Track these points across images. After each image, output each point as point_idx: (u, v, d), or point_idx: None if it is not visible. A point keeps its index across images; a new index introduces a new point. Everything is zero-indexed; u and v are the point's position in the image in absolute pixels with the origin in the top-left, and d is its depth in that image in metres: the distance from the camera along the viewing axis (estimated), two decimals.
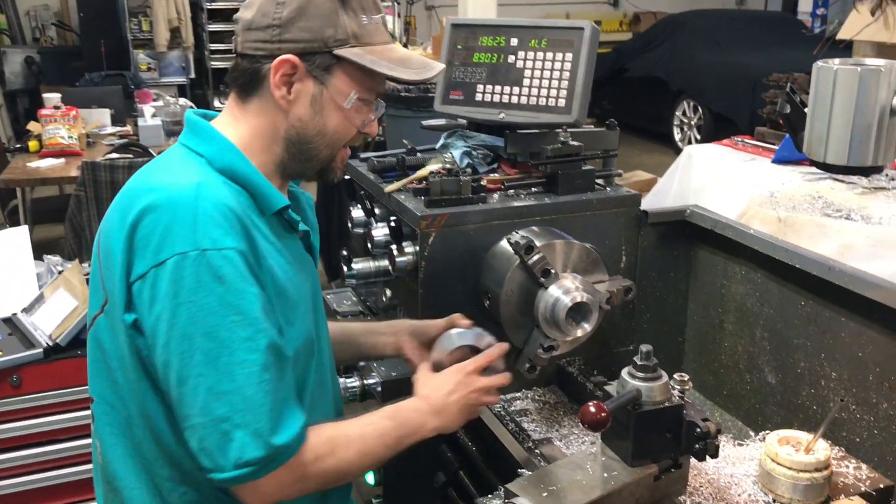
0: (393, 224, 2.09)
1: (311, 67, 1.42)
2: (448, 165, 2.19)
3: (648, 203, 2.78)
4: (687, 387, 1.44)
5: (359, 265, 2.22)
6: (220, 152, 1.44)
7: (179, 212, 1.31)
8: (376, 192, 2.27)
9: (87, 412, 2.54)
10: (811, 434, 1.63)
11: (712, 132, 8.89)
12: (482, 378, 1.61)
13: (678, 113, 9.86)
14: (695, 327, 2.36)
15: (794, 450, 1.51)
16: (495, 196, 2.16)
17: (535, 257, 1.91)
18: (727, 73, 9.15)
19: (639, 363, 1.41)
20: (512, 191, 2.20)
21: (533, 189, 2.22)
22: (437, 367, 1.66)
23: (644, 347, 1.41)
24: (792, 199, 2.18)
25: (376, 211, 2.28)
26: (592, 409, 1.25)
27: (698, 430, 1.39)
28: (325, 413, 1.60)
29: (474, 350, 1.71)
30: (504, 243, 1.99)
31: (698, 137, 9.41)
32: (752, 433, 1.79)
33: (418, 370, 1.66)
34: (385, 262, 2.15)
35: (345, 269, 2.26)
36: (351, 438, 1.42)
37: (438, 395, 1.55)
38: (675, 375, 1.45)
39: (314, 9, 1.40)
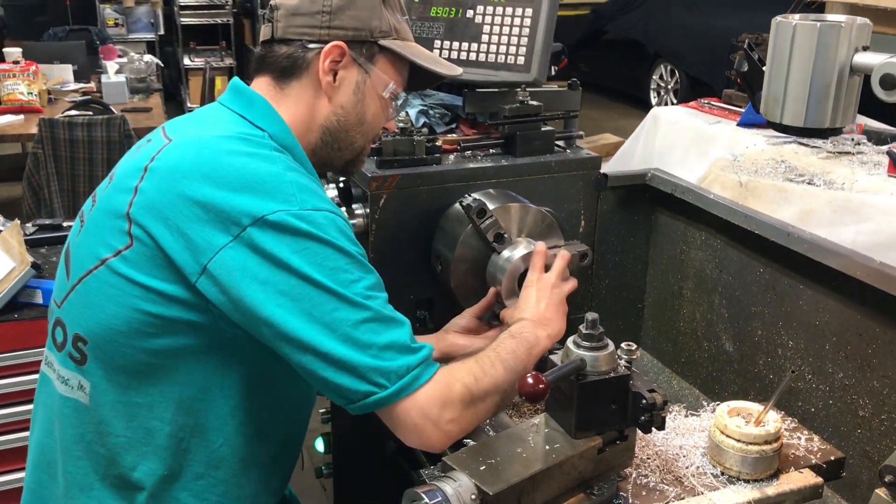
0: (341, 185, 2.02)
1: (357, 56, 1.48)
2: (402, 124, 2.11)
3: (613, 166, 2.72)
4: (634, 356, 1.39)
5: None
6: (283, 133, 1.45)
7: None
8: None
9: (26, 378, 2.47)
10: (763, 405, 1.59)
11: (689, 96, 8.79)
12: (564, 285, 1.69)
13: (655, 77, 9.77)
14: (654, 294, 2.31)
15: (744, 421, 1.47)
16: (451, 157, 2.09)
17: (488, 221, 1.85)
18: (704, 36, 9.05)
19: (584, 332, 1.35)
20: (468, 152, 2.12)
21: (490, 150, 2.14)
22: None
23: (590, 316, 1.35)
24: (755, 164, 2.13)
25: (329, 173, 2.20)
26: (530, 381, 1.20)
27: (644, 401, 1.34)
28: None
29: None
30: (457, 207, 1.93)
31: (675, 101, 9.34)
32: (706, 403, 1.75)
33: (502, 313, 1.73)
34: None
35: None
36: (493, 359, 1.43)
37: (531, 310, 1.60)
38: (623, 344, 1.40)
39: (362, 0, 1.47)
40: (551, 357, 1.41)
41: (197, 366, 1.38)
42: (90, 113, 4.97)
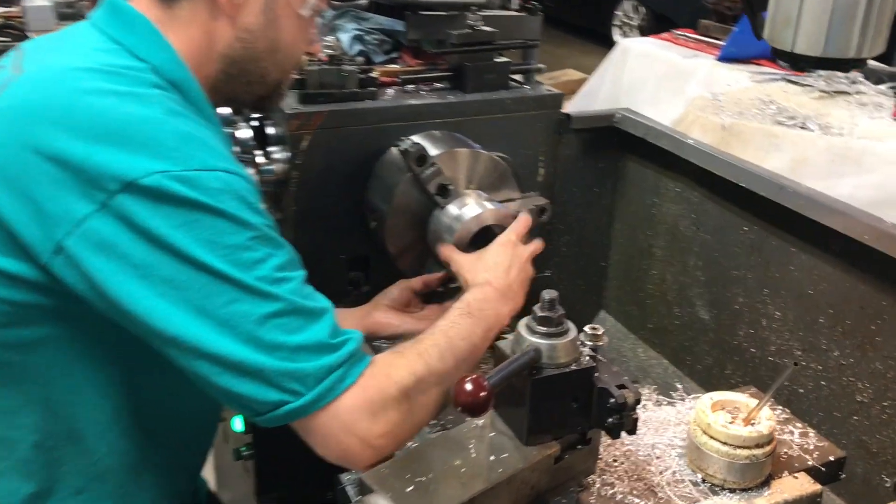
0: (255, 123, 1.70)
1: None
2: (331, 52, 1.78)
3: (576, 106, 2.43)
4: (600, 342, 1.13)
5: None
6: (171, 64, 1.13)
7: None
8: None
9: None
10: (750, 394, 1.35)
11: (654, 33, 8.51)
12: (527, 246, 1.44)
13: (619, 12, 9.43)
14: (620, 251, 2.05)
15: (730, 417, 1.22)
16: (389, 92, 1.78)
17: (430, 170, 1.55)
18: None
19: (539, 314, 1.08)
20: (410, 86, 1.82)
21: (436, 85, 1.84)
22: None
23: (547, 294, 1.08)
24: (738, 104, 1.85)
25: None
26: (469, 388, 0.92)
27: (613, 400, 1.08)
28: None
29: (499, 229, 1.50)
30: (394, 151, 1.63)
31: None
32: (679, 383, 1.52)
33: (452, 258, 1.46)
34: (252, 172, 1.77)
35: None
36: (443, 348, 1.15)
37: (498, 276, 1.35)
38: (587, 328, 1.13)
39: None
40: (499, 344, 1.13)
41: (61, 360, 1.10)
42: (8, 39, 4.52)
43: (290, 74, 1.33)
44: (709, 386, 1.80)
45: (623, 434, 1.12)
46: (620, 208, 2.01)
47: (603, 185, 2.00)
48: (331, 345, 1.05)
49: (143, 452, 1.20)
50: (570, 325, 1.10)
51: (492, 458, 1.08)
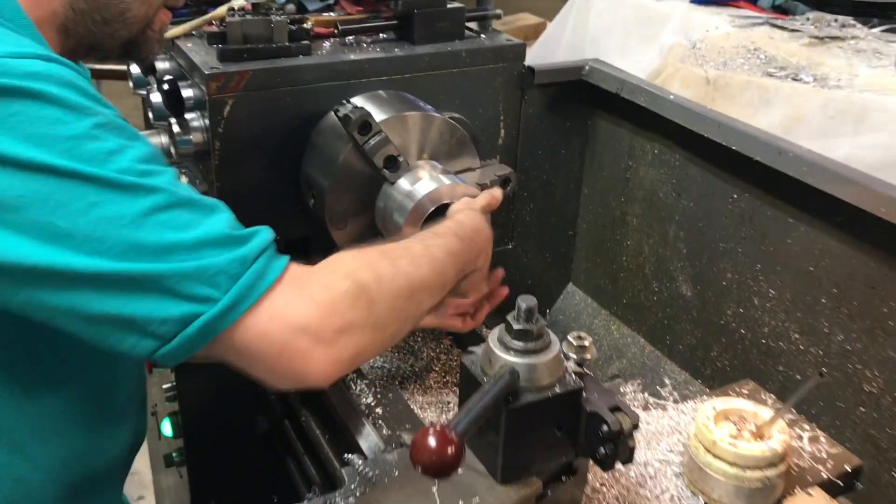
0: (167, 86, 1.45)
1: None
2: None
3: (534, 56, 2.21)
4: (587, 355, 0.93)
5: None
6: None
7: None
8: None
9: None
10: (751, 396, 1.18)
11: None
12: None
13: None
14: (589, 220, 1.85)
15: (734, 429, 1.04)
16: (325, 45, 1.54)
17: (375, 139, 1.33)
18: None
19: (516, 327, 0.87)
20: (350, 38, 1.58)
21: (380, 36, 1.61)
22: None
23: (524, 302, 0.87)
24: (721, 52, 1.65)
25: (159, 66, 1.61)
26: (431, 443, 0.70)
27: (606, 427, 0.88)
28: None
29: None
30: (333, 117, 1.40)
31: None
32: (666, 380, 1.34)
33: None
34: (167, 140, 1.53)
35: None
36: (415, 253, 1.00)
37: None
38: (570, 337, 0.93)
39: None
40: (465, 361, 0.93)
41: None
42: None
43: (161, 12, 1.09)
44: (691, 368, 1.64)
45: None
46: (590, 172, 1.81)
47: (570, 146, 1.79)
48: (236, 237, 0.84)
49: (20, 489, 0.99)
50: (552, 336, 0.90)
51: (460, 502, 0.88)
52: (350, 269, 0.90)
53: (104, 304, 0.78)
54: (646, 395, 1.28)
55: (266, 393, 1.57)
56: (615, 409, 0.90)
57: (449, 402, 1.47)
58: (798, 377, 1.41)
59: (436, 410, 1.46)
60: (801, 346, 1.40)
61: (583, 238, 1.88)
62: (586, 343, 0.93)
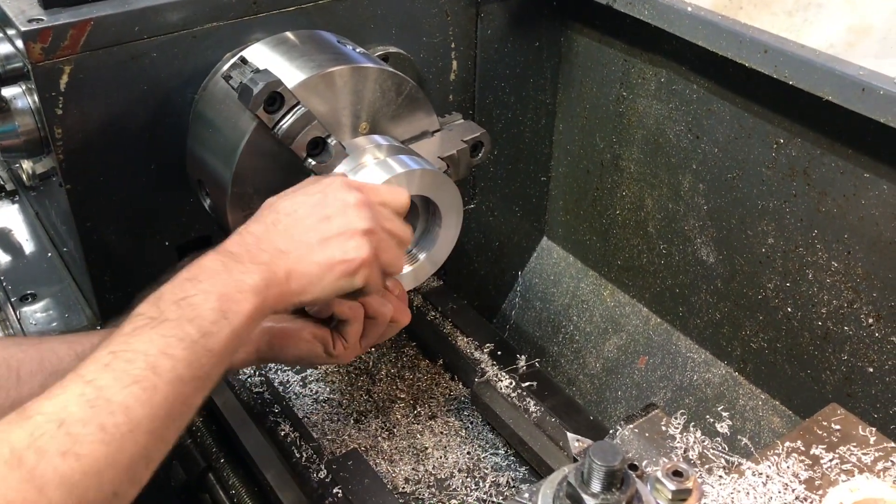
0: None
1: None
2: None
3: None
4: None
5: None
6: None
7: None
8: None
9: None
10: (844, 435, 0.85)
11: None
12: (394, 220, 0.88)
13: None
14: (567, 161, 1.47)
15: None
16: None
17: (292, 116, 0.90)
18: None
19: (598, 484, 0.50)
20: None
21: None
22: None
23: (600, 460, 0.49)
24: None
25: None
26: None
27: None
28: None
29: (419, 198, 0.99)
30: (223, 83, 0.96)
31: None
32: (674, 345, 0.99)
33: None
34: None
35: None
36: (101, 386, 0.66)
37: (284, 225, 0.82)
38: (661, 475, 0.57)
39: None
40: None
41: None
42: None
43: None
44: (714, 347, 1.31)
45: None
46: (566, 104, 1.41)
47: (540, 72, 1.38)
48: None
49: None
50: (638, 483, 0.53)
51: None
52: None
53: None
54: (698, 433, 0.94)
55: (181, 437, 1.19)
56: None
57: (427, 448, 1.11)
58: (870, 370, 1.10)
59: (410, 461, 1.10)
60: (878, 334, 1.08)
61: (559, 184, 1.50)
62: (688, 484, 0.57)
